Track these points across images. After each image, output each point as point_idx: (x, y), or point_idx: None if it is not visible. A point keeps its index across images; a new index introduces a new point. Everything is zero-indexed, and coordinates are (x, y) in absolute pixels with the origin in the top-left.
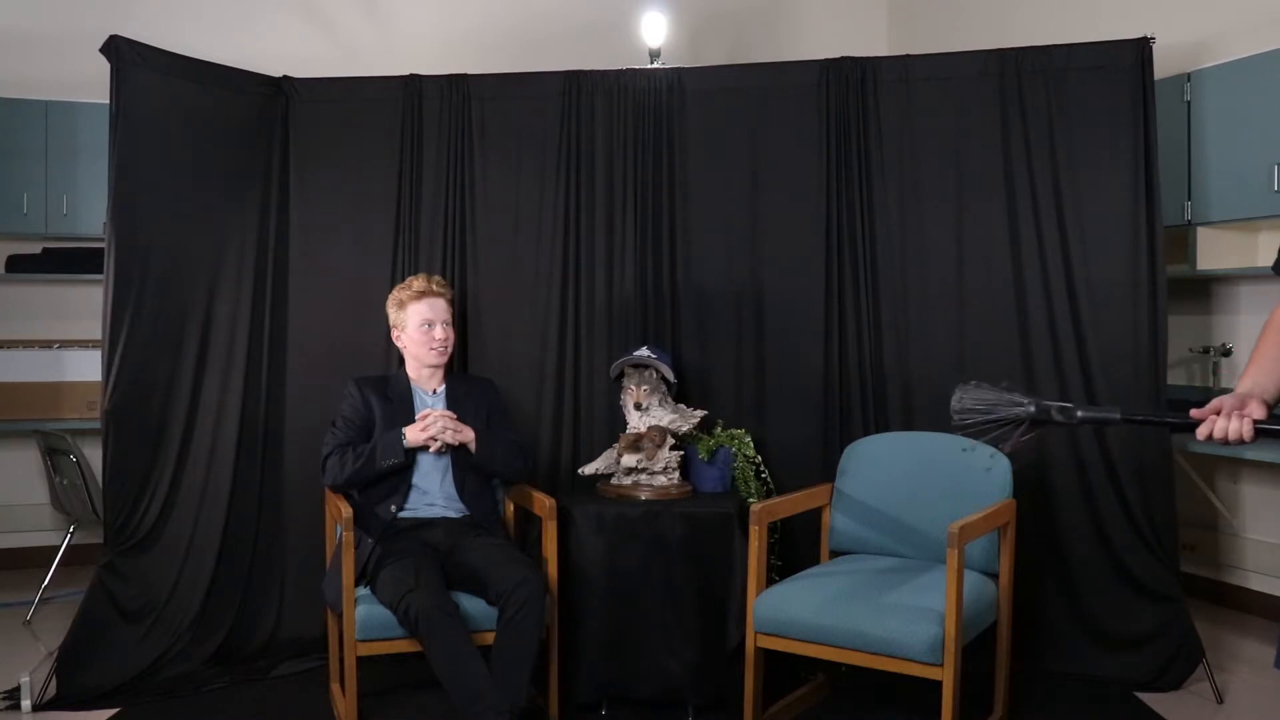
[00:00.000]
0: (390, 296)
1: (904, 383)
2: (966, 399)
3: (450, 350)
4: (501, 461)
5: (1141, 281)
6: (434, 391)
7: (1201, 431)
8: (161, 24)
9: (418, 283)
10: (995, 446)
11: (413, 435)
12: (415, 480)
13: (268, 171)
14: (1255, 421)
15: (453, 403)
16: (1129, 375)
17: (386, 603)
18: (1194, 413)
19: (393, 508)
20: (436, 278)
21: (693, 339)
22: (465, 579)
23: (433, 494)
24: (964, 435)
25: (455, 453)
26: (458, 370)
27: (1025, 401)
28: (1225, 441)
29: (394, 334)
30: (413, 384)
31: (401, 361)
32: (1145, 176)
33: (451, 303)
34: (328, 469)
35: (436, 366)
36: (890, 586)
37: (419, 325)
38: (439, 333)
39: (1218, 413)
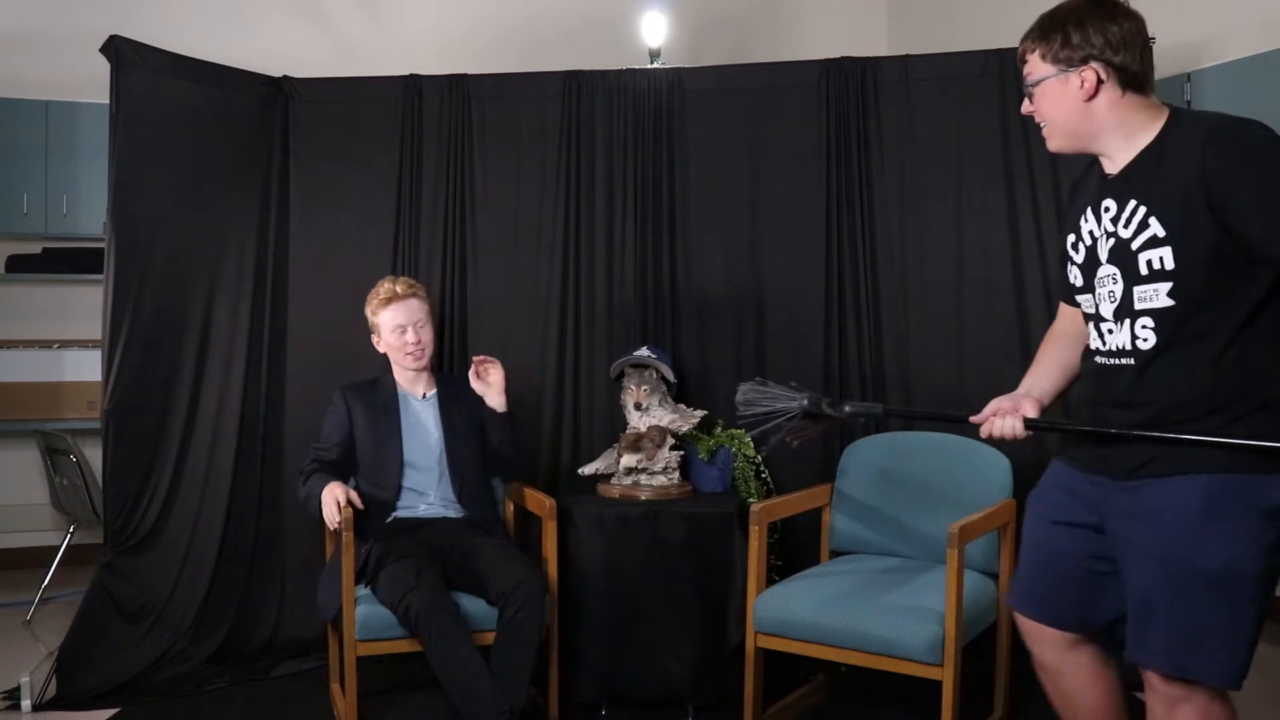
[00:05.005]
0: (366, 303)
1: (904, 383)
2: (749, 393)
3: (428, 351)
4: (507, 446)
5: None
6: (423, 396)
7: (983, 431)
8: (161, 24)
9: (384, 288)
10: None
11: (327, 499)
12: (412, 484)
13: (268, 171)
14: (1025, 420)
15: (443, 409)
16: None
17: (386, 602)
18: (974, 419)
19: (389, 510)
20: (404, 279)
21: (693, 339)
22: (465, 579)
23: (430, 495)
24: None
25: (452, 457)
26: (454, 371)
27: (799, 396)
28: (1003, 439)
29: (373, 339)
30: (400, 389)
31: (389, 364)
32: None
33: (427, 300)
34: (300, 490)
35: (417, 370)
36: (890, 586)
37: (391, 330)
38: (411, 336)
39: (996, 414)
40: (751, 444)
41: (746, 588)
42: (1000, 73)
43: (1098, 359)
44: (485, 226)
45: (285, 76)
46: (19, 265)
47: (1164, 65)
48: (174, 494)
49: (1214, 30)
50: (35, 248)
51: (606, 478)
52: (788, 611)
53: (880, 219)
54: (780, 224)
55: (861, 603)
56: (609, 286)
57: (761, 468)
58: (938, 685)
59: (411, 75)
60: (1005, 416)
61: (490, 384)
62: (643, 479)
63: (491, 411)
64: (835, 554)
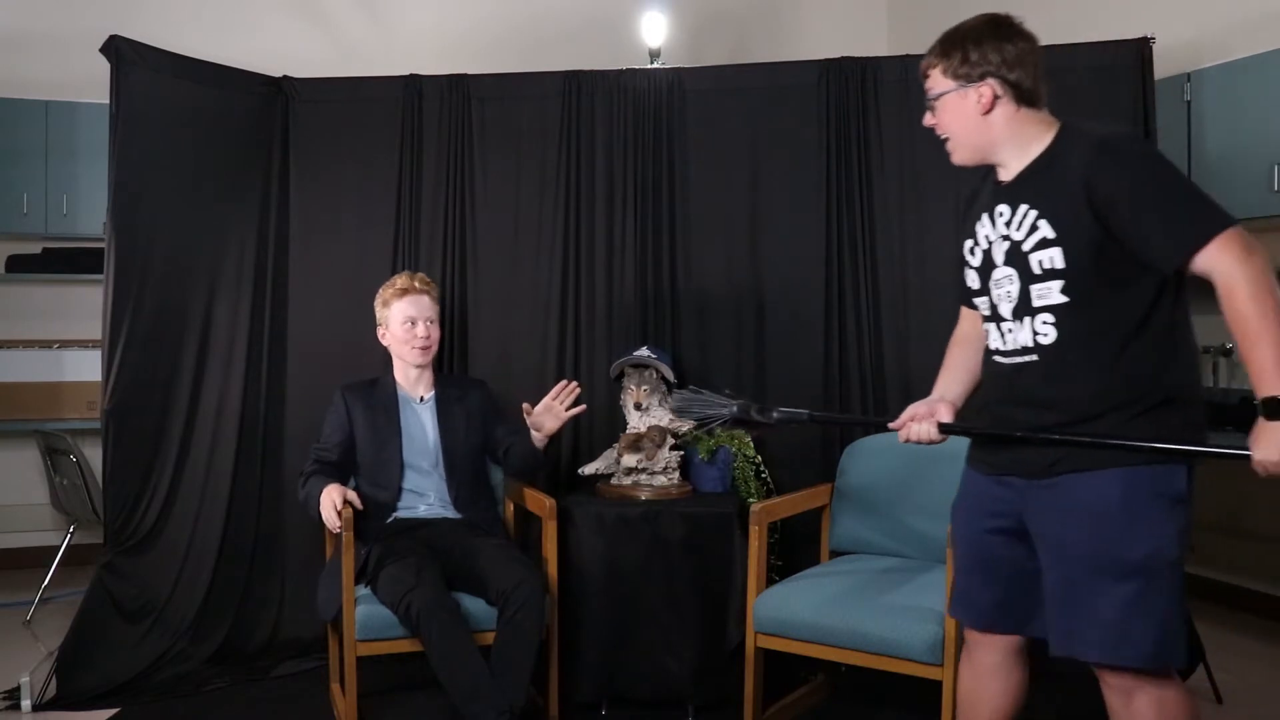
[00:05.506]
0: (377, 296)
1: (904, 383)
2: (681, 401)
3: (434, 349)
4: (521, 470)
5: None
6: (421, 399)
7: (900, 437)
8: (161, 24)
9: (401, 280)
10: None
11: (325, 501)
12: (412, 485)
13: (268, 171)
14: (940, 424)
15: (443, 408)
16: None
17: (387, 602)
18: (892, 425)
19: (389, 511)
20: (420, 275)
21: (693, 339)
22: (465, 579)
23: (430, 496)
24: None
25: (449, 460)
26: (454, 371)
27: (730, 404)
28: (919, 443)
29: (379, 333)
30: (400, 389)
31: (389, 365)
32: None
33: (437, 301)
34: (300, 493)
35: (421, 366)
36: (890, 586)
37: (401, 323)
38: (421, 330)
39: (913, 419)
40: (751, 444)
41: (746, 588)
42: None
43: (998, 359)
44: (485, 226)
45: (285, 76)
46: (19, 265)
47: (1164, 65)
48: (174, 494)
49: (1214, 30)
50: (35, 248)
51: (606, 478)
52: (788, 611)
53: (880, 219)
54: (780, 224)
55: (861, 603)
56: (609, 286)
57: (761, 468)
58: (938, 685)
59: (411, 75)
60: (921, 422)
61: (544, 427)
62: (643, 479)
63: (528, 441)
64: (835, 554)
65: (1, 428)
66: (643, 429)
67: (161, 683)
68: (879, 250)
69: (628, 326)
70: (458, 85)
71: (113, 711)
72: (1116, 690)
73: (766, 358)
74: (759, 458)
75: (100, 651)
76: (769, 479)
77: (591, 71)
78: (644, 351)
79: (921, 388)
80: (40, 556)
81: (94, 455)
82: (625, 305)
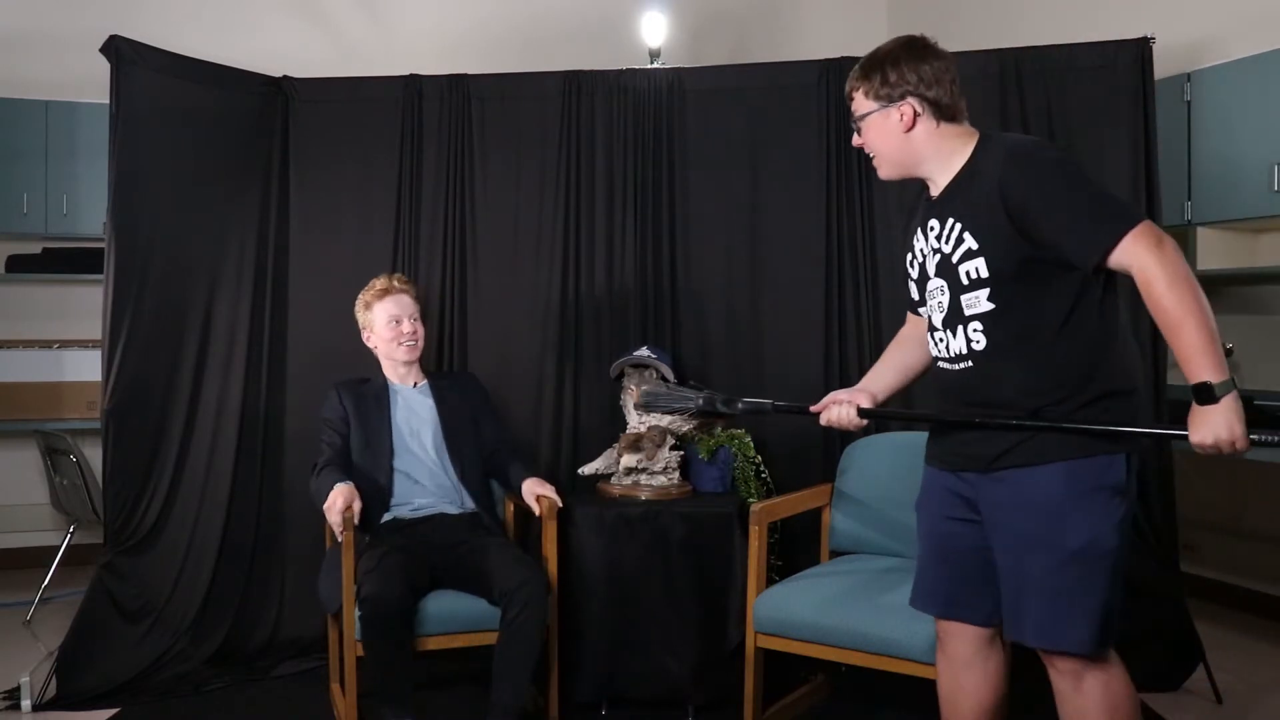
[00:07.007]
0: (357, 301)
1: None
2: (648, 397)
3: (421, 345)
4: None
5: None
6: (415, 385)
7: (822, 419)
8: (161, 24)
9: (379, 282)
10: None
11: (331, 499)
12: (406, 468)
13: (268, 171)
14: (859, 409)
15: (438, 396)
16: None
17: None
18: (814, 408)
19: (383, 510)
20: (398, 275)
21: (692, 338)
22: (467, 579)
23: (426, 484)
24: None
25: (450, 438)
26: (447, 369)
27: (696, 396)
28: (839, 426)
29: (364, 336)
30: (389, 382)
31: (379, 369)
32: (1145, 176)
33: (417, 300)
34: (312, 483)
35: (409, 363)
36: (890, 586)
37: (386, 322)
38: (407, 326)
39: (834, 403)
40: (751, 444)
41: (746, 588)
42: (999, 74)
43: (940, 364)
44: (485, 226)
45: (285, 76)
46: (19, 265)
47: (1164, 65)
48: (174, 494)
49: (1214, 30)
50: (35, 248)
51: (606, 478)
52: (788, 611)
53: (880, 219)
54: (780, 224)
55: (861, 603)
56: (609, 286)
57: (761, 468)
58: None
59: (411, 75)
60: (842, 405)
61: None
62: (643, 479)
63: (519, 485)
64: (835, 554)
65: (1, 428)
66: (643, 429)
67: (161, 683)
68: (879, 250)
69: (627, 326)
70: (458, 85)
71: (113, 711)
72: (1065, 674)
73: (766, 358)
74: (759, 458)
75: (100, 651)
76: (769, 479)
77: (591, 71)
78: (644, 351)
79: (921, 389)
80: (40, 556)
81: (94, 455)
82: (625, 305)
